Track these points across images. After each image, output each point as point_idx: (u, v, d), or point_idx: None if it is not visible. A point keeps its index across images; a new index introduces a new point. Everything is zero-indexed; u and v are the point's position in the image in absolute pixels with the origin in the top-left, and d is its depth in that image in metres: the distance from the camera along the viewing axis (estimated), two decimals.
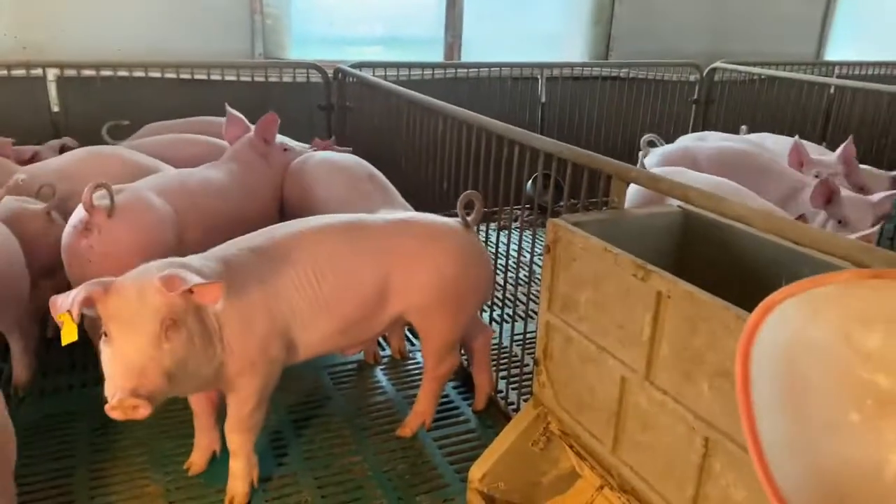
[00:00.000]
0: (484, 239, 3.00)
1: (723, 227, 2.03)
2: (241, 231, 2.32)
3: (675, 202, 2.06)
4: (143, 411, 1.73)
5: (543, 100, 5.17)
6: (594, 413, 1.91)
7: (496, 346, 3.02)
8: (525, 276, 3.79)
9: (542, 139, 2.41)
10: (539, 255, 3.66)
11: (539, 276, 3.14)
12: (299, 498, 2.29)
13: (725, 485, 1.53)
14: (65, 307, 1.74)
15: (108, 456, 2.46)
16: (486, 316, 3.34)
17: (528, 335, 2.79)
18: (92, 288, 1.77)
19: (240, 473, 2.24)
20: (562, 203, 2.59)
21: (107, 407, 1.74)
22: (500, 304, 3.10)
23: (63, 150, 3.41)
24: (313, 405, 2.82)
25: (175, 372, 1.81)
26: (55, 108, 3.97)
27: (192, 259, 2.04)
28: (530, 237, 2.78)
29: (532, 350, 2.81)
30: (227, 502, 2.24)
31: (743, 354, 0.94)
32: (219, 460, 2.43)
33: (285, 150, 3.22)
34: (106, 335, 1.79)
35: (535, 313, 3.53)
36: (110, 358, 1.77)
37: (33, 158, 3.28)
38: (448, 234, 2.39)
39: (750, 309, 1.35)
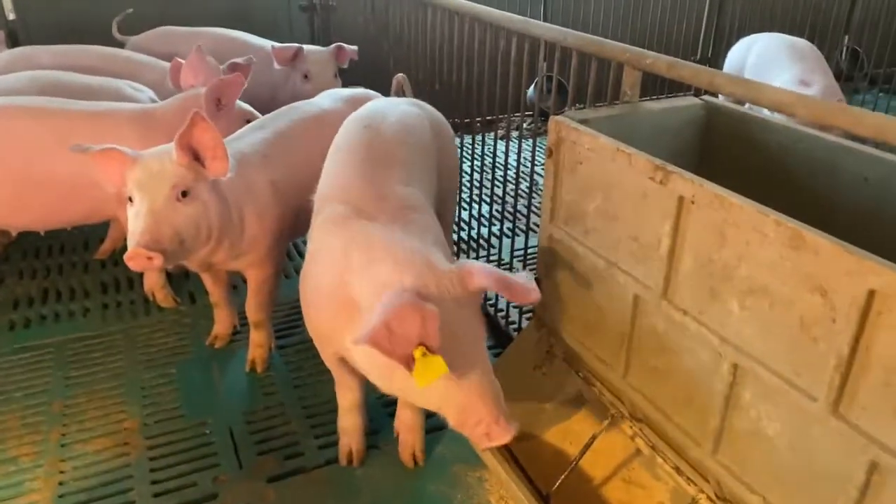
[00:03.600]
0: (480, 150, 2.75)
1: (753, 121, 1.79)
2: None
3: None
4: None
5: None
6: (603, 335, 1.73)
7: (496, 262, 2.83)
8: (526, 188, 3.58)
9: (542, 26, 2.10)
10: (542, 164, 3.43)
11: (542, 188, 2.90)
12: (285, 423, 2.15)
13: (756, 417, 1.33)
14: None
15: (82, 390, 2.30)
16: (485, 230, 3.11)
17: (529, 250, 2.60)
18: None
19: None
20: (566, 109, 2.33)
21: None
22: (499, 217, 2.86)
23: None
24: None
25: None
26: (11, 17, 3.66)
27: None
28: (531, 146, 2.51)
29: (534, 266, 2.63)
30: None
31: None
32: (199, 394, 2.29)
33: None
34: None
35: (538, 226, 3.34)
36: None
37: None
38: None
39: (791, 215, 1.11)
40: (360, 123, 1.98)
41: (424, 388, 1.37)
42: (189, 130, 1.87)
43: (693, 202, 1.37)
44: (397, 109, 2.09)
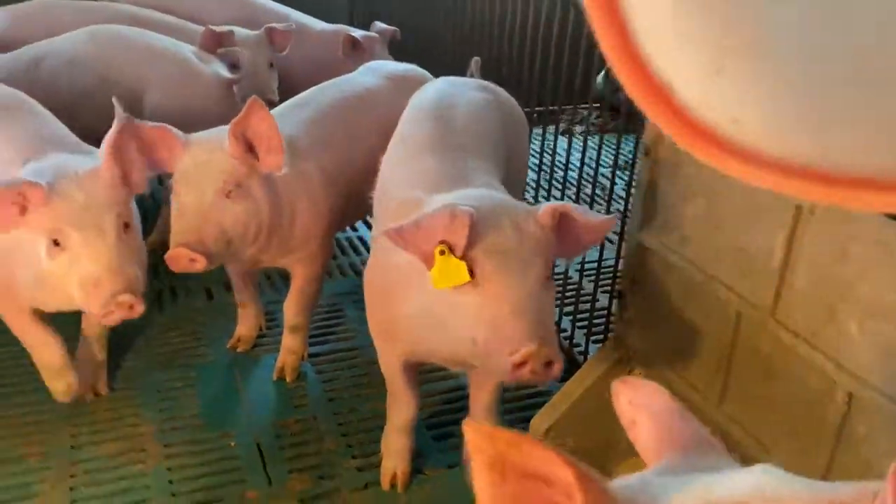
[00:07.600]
0: (539, 147, 2.87)
1: None
2: None
3: None
4: None
5: None
6: (696, 359, 1.84)
7: (560, 276, 2.95)
8: (601, 192, 3.66)
9: None
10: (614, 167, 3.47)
11: (617, 194, 3.01)
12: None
13: (871, 454, 1.44)
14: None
15: None
16: None
17: (603, 264, 2.67)
18: None
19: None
20: None
21: None
22: None
23: None
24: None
25: None
26: None
27: None
28: (613, 144, 2.65)
29: (605, 284, 2.73)
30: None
31: None
32: (221, 402, 2.44)
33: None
34: None
35: (609, 240, 3.42)
36: None
37: None
38: None
39: None
40: (430, 114, 2.12)
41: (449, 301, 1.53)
42: (245, 118, 1.97)
43: (812, 212, 1.49)
44: (467, 96, 2.23)
